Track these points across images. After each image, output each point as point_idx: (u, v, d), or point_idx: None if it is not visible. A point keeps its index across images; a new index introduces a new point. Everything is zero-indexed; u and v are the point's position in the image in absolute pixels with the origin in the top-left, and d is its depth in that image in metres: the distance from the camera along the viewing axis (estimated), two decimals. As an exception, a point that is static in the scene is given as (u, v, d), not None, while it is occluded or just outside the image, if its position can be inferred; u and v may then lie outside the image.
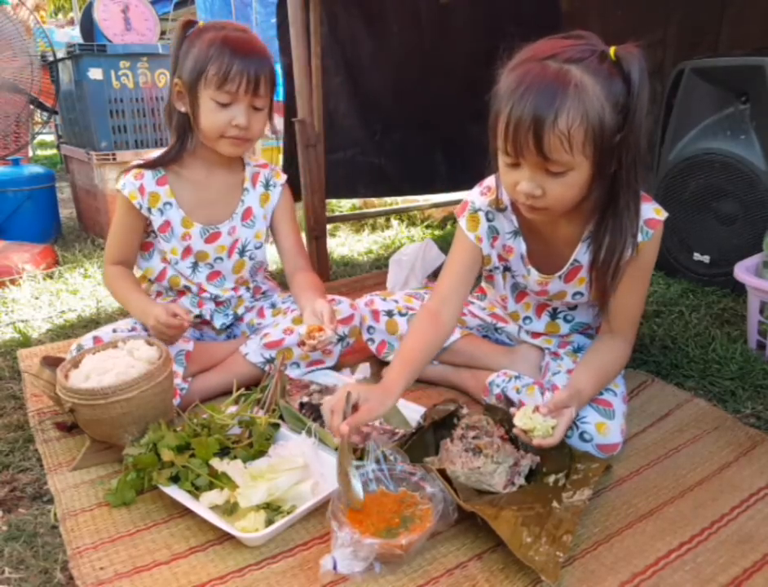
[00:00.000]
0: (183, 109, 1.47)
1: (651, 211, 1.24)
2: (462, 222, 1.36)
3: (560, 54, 1.04)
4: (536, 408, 1.13)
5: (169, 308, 1.39)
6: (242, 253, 1.62)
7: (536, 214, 1.18)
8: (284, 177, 1.68)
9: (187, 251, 1.58)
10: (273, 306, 1.70)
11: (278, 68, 2.49)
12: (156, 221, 1.54)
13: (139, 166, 1.53)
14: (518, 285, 1.44)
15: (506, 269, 1.42)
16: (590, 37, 1.08)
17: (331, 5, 2.36)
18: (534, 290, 1.39)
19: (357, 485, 1.06)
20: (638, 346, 1.70)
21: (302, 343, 1.41)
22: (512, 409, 1.18)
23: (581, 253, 1.29)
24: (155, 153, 1.57)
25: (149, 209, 1.53)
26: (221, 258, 1.61)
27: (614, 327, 1.30)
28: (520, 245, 1.34)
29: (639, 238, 1.21)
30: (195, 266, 1.60)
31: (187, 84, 1.43)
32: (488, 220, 1.35)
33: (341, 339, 1.59)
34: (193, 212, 1.57)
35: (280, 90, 2.45)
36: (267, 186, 1.65)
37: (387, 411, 1.15)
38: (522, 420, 1.12)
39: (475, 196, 1.37)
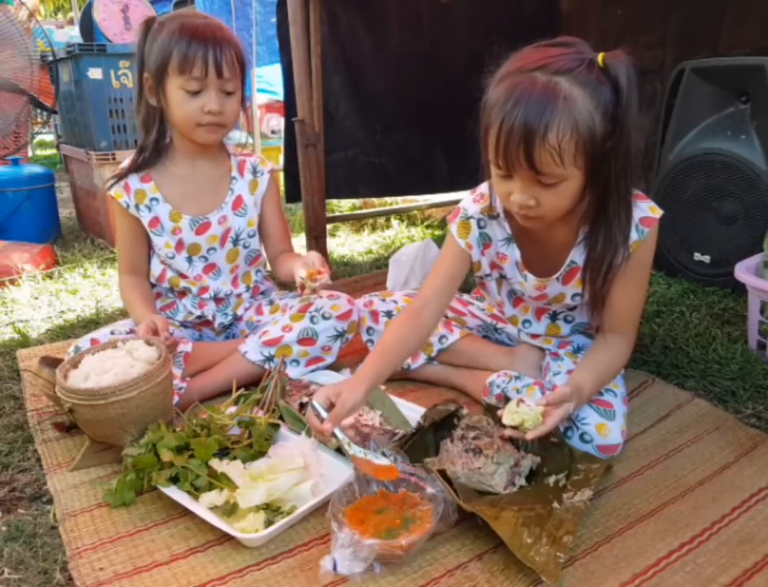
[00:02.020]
0: (155, 103, 1.48)
1: (646, 209, 1.23)
2: (453, 229, 1.37)
3: (548, 65, 1.03)
4: (520, 401, 1.12)
5: (150, 323, 1.39)
6: (236, 242, 1.63)
7: (531, 223, 1.18)
8: (269, 164, 1.69)
9: (179, 245, 1.58)
10: (271, 303, 1.70)
11: (278, 68, 2.50)
12: (145, 218, 1.55)
13: (124, 173, 1.55)
14: (514, 292, 1.44)
15: (502, 276, 1.42)
16: (578, 45, 1.08)
17: (331, 4, 2.36)
18: (532, 296, 1.39)
19: (379, 459, 1.08)
20: (639, 346, 1.70)
21: (302, 287, 1.43)
22: (499, 411, 1.16)
23: (578, 255, 1.28)
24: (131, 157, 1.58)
25: (137, 207, 1.54)
26: (213, 249, 1.61)
27: (614, 326, 1.29)
28: (514, 252, 1.34)
29: (634, 237, 1.21)
30: (190, 260, 1.61)
31: (154, 77, 1.44)
32: (480, 228, 1.36)
33: (339, 335, 1.59)
34: (181, 205, 1.58)
35: (281, 89, 2.45)
36: (254, 173, 1.65)
37: (359, 399, 1.13)
38: (509, 417, 1.11)
39: (468, 204, 1.37)
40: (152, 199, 1.55)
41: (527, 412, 1.10)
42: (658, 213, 1.24)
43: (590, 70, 1.04)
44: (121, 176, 1.55)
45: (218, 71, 1.41)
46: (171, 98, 1.44)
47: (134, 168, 1.55)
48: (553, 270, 1.32)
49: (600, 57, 1.05)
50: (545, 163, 1.03)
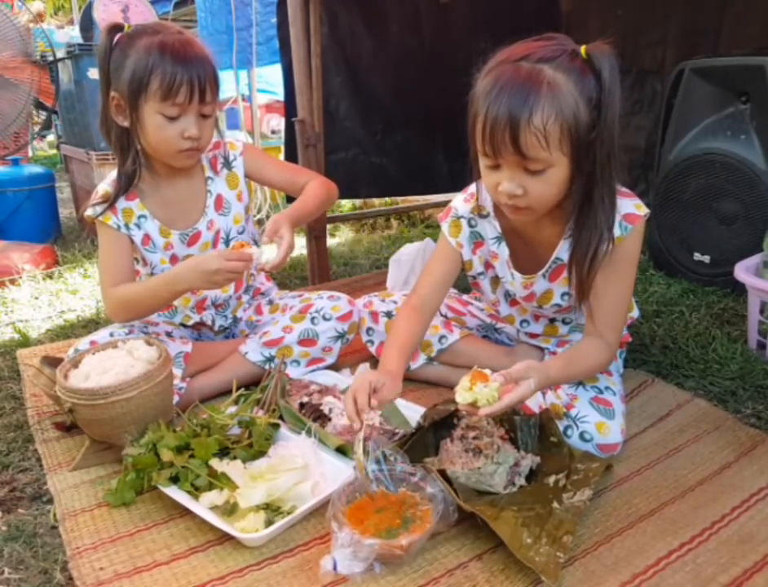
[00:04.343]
0: (124, 124, 1.38)
1: (631, 206, 1.23)
2: (445, 227, 1.39)
3: (532, 54, 1.06)
4: (474, 376, 1.08)
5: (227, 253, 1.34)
6: (227, 242, 1.57)
7: (520, 215, 1.18)
8: (240, 144, 1.59)
9: (173, 259, 1.53)
10: (270, 302, 1.70)
11: (278, 68, 2.50)
12: (137, 236, 1.48)
13: (112, 200, 1.44)
14: (509, 292, 1.44)
15: (496, 275, 1.42)
16: (561, 38, 1.11)
17: (331, 5, 2.36)
18: (521, 296, 1.39)
19: (370, 469, 1.09)
20: (638, 346, 1.70)
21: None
22: (456, 388, 1.11)
23: (563, 251, 1.28)
24: (111, 177, 1.48)
25: (126, 226, 1.46)
26: None
27: (595, 327, 1.26)
28: (504, 251, 1.35)
29: (617, 232, 1.20)
30: None
31: (126, 98, 1.33)
32: (470, 226, 1.37)
33: (340, 336, 1.59)
34: (168, 222, 1.51)
35: (281, 89, 2.44)
36: (228, 165, 1.56)
37: (399, 392, 1.21)
38: (461, 395, 1.07)
39: (459, 203, 1.38)
40: (139, 216, 1.47)
41: (481, 390, 1.06)
42: (643, 210, 1.23)
43: (573, 59, 1.07)
44: (111, 203, 1.44)
45: (201, 97, 1.33)
46: (147, 122, 1.34)
47: (122, 193, 1.45)
48: (539, 268, 1.33)
49: (583, 49, 1.08)
50: (530, 146, 1.04)
